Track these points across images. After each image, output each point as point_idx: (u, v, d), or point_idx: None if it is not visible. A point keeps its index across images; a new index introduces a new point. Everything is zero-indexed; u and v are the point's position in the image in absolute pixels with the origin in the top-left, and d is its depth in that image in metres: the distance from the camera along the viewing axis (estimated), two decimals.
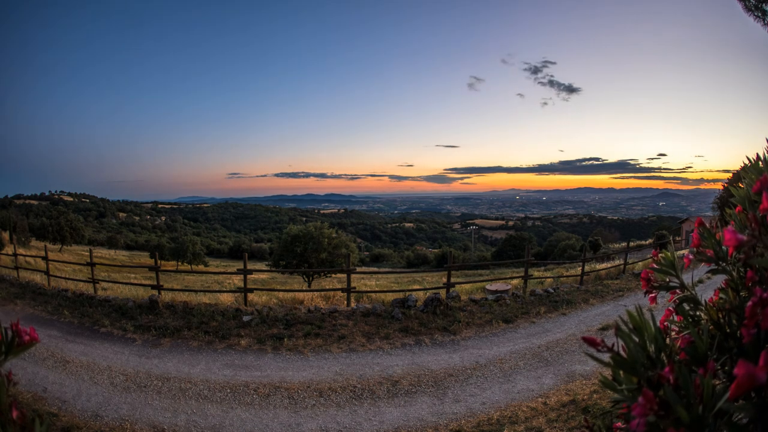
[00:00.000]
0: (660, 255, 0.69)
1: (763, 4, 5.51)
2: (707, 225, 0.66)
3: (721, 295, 0.63)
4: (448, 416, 4.40)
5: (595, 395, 4.51)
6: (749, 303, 0.39)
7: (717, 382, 0.46)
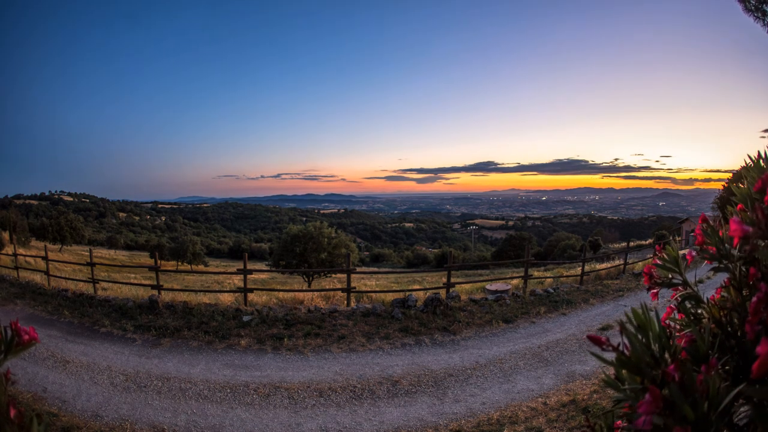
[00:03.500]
0: (663, 251, 0.69)
1: (763, 5, 5.51)
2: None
3: (723, 293, 0.63)
4: (448, 416, 4.39)
5: (595, 395, 4.50)
6: (753, 299, 0.39)
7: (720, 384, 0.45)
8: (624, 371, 0.44)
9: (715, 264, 0.61)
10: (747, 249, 0.41)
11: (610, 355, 0.47)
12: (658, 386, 0.39)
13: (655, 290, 0.71)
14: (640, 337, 0.44)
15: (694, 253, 0.67)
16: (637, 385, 0.42)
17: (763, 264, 0.44)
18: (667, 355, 0.43)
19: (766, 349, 0.33)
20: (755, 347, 0.41)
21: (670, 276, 0.68)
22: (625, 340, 0.45)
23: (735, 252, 0.57)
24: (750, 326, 0.39)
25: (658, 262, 0.68)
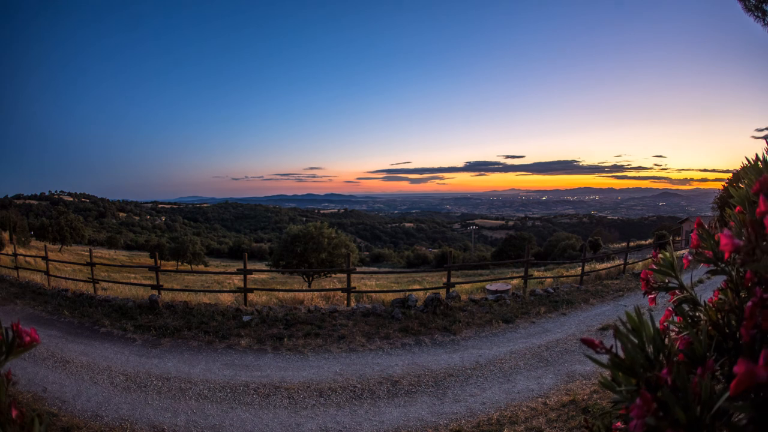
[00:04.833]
0: (659, 256, 0.69)
1: (763, 4, 5.51)
2: (707, 225, 0.65)
3: (721, 295, 0.63)
4: (448, 416, 4.39)
5: (595, 395, 4.51)
6: (749, 303, 0.39)
7: (716, 386, 0.45)
8: (620, 373, 0.44)
9: (712, 267, 0.61)
10: (739, 260, 0.42)
11: (606, 358, 0.47)
12: (653, 388, 0.40)
13: (652, 295, 0.71)
14: (633, 339, 0.45)
15: (690, 257, 0.67)
16: (632, 386, 0.43)
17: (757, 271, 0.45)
18: (662, 357, 0.44)
19: (742, 368, 0.34)
20: (751, 350, 0.41)
21: (666, 280, 0.68)
22: (620, 343, 0.45)
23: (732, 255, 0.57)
24: (745, 330, 0.39)
25: (654, 266, 0.68)
